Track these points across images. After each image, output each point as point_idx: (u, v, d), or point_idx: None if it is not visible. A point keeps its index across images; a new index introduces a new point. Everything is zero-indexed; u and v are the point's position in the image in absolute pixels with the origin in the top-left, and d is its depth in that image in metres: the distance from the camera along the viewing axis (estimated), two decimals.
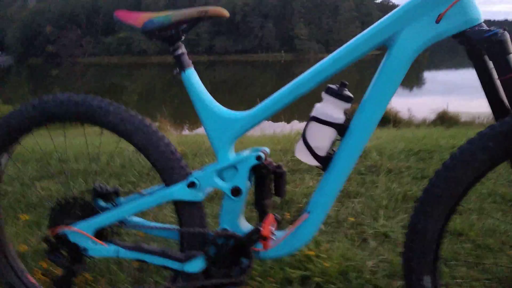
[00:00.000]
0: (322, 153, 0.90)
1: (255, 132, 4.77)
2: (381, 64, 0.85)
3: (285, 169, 0.95)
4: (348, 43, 0.87)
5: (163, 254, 0.98)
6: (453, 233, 1.69)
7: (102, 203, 1.08)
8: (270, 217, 0.91)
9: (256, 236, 0.91)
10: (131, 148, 3.19)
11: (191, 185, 0.95)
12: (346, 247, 1.56)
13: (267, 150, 0.96)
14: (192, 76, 0.96)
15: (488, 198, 2.05)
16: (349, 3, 63.90)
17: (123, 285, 1.36)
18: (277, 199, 2.05)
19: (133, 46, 53.62)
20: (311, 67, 0.90)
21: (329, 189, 0.91)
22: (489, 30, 0.76)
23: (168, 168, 0.97)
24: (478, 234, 1.65)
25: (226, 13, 0.92)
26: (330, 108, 0.88)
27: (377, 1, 76.23)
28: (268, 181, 0.95)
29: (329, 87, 0.89)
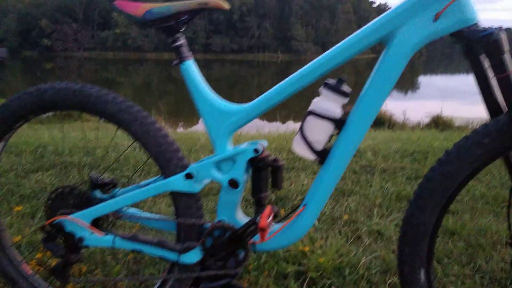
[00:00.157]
0: (319, 147, 0.90)
1: (251, 130, 4.78)
2: (379, 60, 0.86)
3: (282, 162, 0.96)
4: (347, 39, 0.88)
5: (159, 245, 0.98)
6: (446, 232, 1.71)
7: (98, 193, 1.08)
8: (268, 209, 0.92)
9: (253, 227, 0.91)
10: (126, 143, 3.18)
11: (189, 176, 0.95)
12: (341, 243, 1.57)
13: (265, 143, 0.96)
14: (191, 68, 0.96)
15: (481, 200, 2.07)
16: (347, 6, 64.12)
17: (118, 276, 1.36)
18: (272, 196, 2.07)
19: (129, 42, 53.35)
20: (310, 62, 0.91)
21: (326, 182, 0.92)
22: (485, 30, 0.78)
23: (166, 159, 0.97)
24: (471, 234, 1.67)
25: (226, 5, 0.92)
26: (328, 103, 0.89)
27: (374, 5, 76.55)
28: (265, 174, 0.96)
29: (327, 82, 0.90)
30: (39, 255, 1.44)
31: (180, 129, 9.02)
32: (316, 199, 0.93)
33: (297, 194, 2.13)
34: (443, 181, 0.82)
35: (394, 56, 0.83)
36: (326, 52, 0.89)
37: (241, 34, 60.06)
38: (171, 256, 0.98)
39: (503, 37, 0.77)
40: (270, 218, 0.91)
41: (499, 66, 0.78)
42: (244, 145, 0.95)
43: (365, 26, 0.87)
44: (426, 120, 8.39)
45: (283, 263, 1.41)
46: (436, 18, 0.80)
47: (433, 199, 0.84)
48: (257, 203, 0.98)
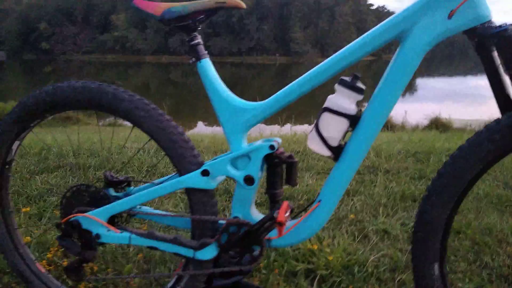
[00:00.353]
0: (334, 143, 0.92)
1: (253, 133, 4.79)
2: (394, 57, 0.88)
3: (296, 159, 0.98)
4: (363, 36, 0.89)
5: (175, 241, 0.99)
6: (452, 231, 1.72)
7: (112, 192, 1.10)
8: (285, 204, 0.93)
9: (270, 222, 0.93)
10: (130, 145, 3.20)
11: (205, 173, 0.97)
12: (348, 242, 1.59)
13: (279, 140, 0.98)
14: (207, 66, 0.98)
15: (484, 199, 2.09)
16: (345, 8, 64.33)
17: (129, 275, 1.37)
18: None
19: (128, 45, 53.42)
20: (326, 60, 0.93)
21: (340, 178, 0.93)
22: (500, 26, 0.80)
23: (181, 156, 0.99)
24: (476, 232, 1.69)
25: (243, 4, 0.94)
26: (343, 99, 0.91)
27: (373, 8, 76.84)
28: (280, 170, 0.97)
29: (342, 79, 0.92)
30: (49, 255, 1.45)
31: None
32: (330, 195, 0.94)
33: (302, 194, 2.15)
34: (456, 176, 0.84)
35: (409, 54, 0.85)
36: (342, 50, 0.91)
37: (240, 37, 60.21)
38: (187, 252, 1.00)
39: None
40: (287, 213, 0.92)
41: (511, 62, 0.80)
42: (259, 142, 0.96)
43: (379, 24, 0.88)
44: (425, 122, 8.42)
45: (293, 262, 1.43)
46: (451, 15, 0.82)
47: (446, 194, 0.85)
48: (272, 200, 1.00)
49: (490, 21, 0.82)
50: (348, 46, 0.91)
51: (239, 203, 0.99)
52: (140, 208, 1.12)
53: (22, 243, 1.20)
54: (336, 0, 63.55)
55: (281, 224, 0.88)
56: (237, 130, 0.97)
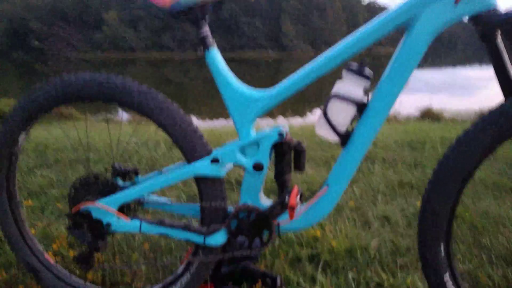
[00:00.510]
0: (342, 129, 0.94)
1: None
2: (400, 44, 0.90)
3: (305, 146, 1.00)
4: (369, 24, 0.91)
5: (186, 228, 1.01)
6: None
7: (120, 181, 1.11)
8: (295, 189, 0.96)
9: (281, 207, 0.95)
10: (127, 139, 3.20)
11: (214, 160, 0.98)
12: (349, 228, 1.62)
13: (287, 127, 1.00)
14: (215, 56, 0.99)
15: (481, 184, 2.14)
16: (337, 4, 64.31)
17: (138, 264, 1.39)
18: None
19: (120, 42, 52.91)
20: (332, 48, 0.95)
21: (348, 163, 0.96)
22: (506, 13, 0.82)
23: (191, 145, 1.00)
24: (473, 216, 1.73)
25: None
26: (351, 85, 0.93)
27: (364, 3, 76.97)
28: (289, 157, 0.99)
29: (349, 65, 0.94)
30: (55, 247, 1.46)
31: None
32: (338, 180, 0.97)
33: (302, 183, 2.18)
34: (462, 159, 0.87)
35: (416, 40, 0.87)
36: (349, 37, 0.92)
37: (232, 32, 59.95)
38: (197, 239, 1.02)
39: None
40: (298, 197, 0.95)
41: None
42: (267, 130, 0.98)
43: (387, 12, 0.90)
44: (416, 113, 8.49)
45: (297, 247, 1.46)
46: (457, 1, 0.84)
47: (452, 176, 0.88)
48: (280, 186, 1.02)
49: (495, 8, 0.84)
50: (355, 33, 0.92)
51: (248, 190, 1.01)
52: (148, 197, 1.13)
53: (30, 235, 1.21)
54: None
55: (292, 208, 0.90)
56: (246, 119, 0.99)
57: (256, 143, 0.98)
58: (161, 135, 3.11)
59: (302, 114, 10.27)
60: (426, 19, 0.86)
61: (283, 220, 0.99)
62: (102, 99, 1.03)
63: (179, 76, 26.54)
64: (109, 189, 1.07)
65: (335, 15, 62.35)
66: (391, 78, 0.90)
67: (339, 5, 64.90)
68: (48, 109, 1.08)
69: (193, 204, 1.11)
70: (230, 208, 1.05)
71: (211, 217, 1.04)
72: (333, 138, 0.95)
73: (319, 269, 1.35)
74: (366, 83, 0.93)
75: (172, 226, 1.03)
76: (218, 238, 1.01)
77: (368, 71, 0.93)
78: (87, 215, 1.04)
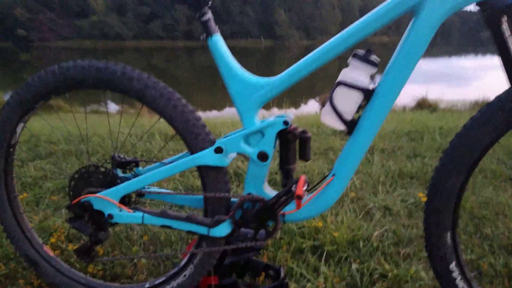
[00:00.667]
0: (348, 116, 0.92)
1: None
2: (408, 30, 0.88)
3: (310, 134, 0.97)
4: (375, 10, 0.88)
5: (189, 219, 0.99)
6: None
7: (120, 173, 1.08)
8: (302, 178, 0.94)
9: (287, 196, 0.93)
10: (119, 130, 3.15)
11: (218, 150, 0.96)
12: (351, 219, 1.61)
13: (292, 116, 0.97)
14: (218, 42, 0.96)
15: (479, 174, 2.14)
16: None
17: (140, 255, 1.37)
18: (276, 177, 2.09)
19: (107, 30, 52.06)
20: (338, 34, 0.92)
21: (354, 152, 0.94)
22: None
23: (194, 134, 0.98)
24: (474, 207, 1.74)
25: None
26: (357, 73, 0.90)
27: None
28: (294, 146, 0.97)
29: (356, 52, 0.91)
30: (53, 240, 1.43)
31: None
32: (344, 168, 0.95)
33: (300, 173, 2.16)
34: (469, 146, 0.86)
35: (423, 26, 0.85)
36: (354, 24, 0.90)
37: (223, 20, 59.35)
38: (201, 230, 0.99)
39: None
40: (305, 187, 0.93)
41: None
42: (272, 118, 0.96)
43: None
44: (412, 103, 8.52)
45: (299, 239, 1.44)
46: None
47: (459, 164, 0.87)
48: (285, 175, 1.00)
49: None
50: (360, 20, 0.89)
51: (252, 180, 0.99)
52: (149, 188, 1.11)
53: (29, 227, 1.18)
54: None
55: (299, 198, 0.88)
56: (250, 107, 0.96)
57: (261, 132, 0.95)
58: (156, 127, 3.08)
59: (296, 105, 10.26)
60: (433, 4, 0.83)
61: (288, 210, 0.98)
62: (102, 86, 0.99)
63: (168, 64, 26.28)
64: (110, 180, 1.05)
65: (328, 2, 61.96)
66: (399, 64, 0.88)
67: None
68: (46, 99, 1.05)
69: (195, 195, 1.09)
70: (234, 199, 1.03)
71: (215, 208, 1.02)
72: (339, 126, 0.93)
73: (322, 261, 1.34)
74: (372, 70, 0.91)
75: (175, 218, 1.00)
76: (223, 229, 0.99)
77: (375, 57, 0.90)
78: (88, 206, 1.02)
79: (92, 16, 51.06)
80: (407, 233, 1.52)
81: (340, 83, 0.91)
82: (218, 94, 12.70)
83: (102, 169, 1.05)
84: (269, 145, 0.95)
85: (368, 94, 0.91)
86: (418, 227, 1.58)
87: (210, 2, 0.95)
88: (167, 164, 1.03)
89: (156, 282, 1.11)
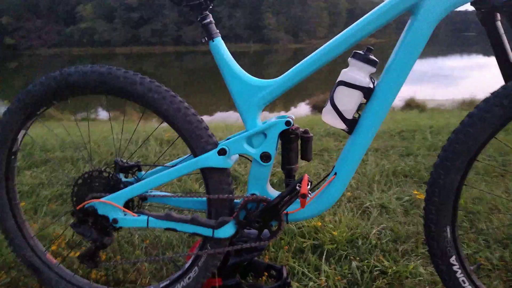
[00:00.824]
0: (349, 116, 0.94)
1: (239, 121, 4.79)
2: (406, 28, 0.90)
3: (311, 134, 1.00)
4: (374, 9, 0.91)
5: (194, 222, 1.00)
6: None
7: (122, 177, 1.09)
8: (306, 177, 0.96)
9: (291, 196, 0.95)
10: (116, 136, 3.14)
11: (221, 152, 0.97)
12: (349, 218, 1.64)
13: (293, 116, 1.00)
14: (220, 45, 0.98)
15: (472, 171, 2.18)
16: None
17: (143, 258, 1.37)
18: (272, 179, 2.11)
19: (96, 36, 51.71)
20: (337, 36, 0.94)
21: (355, 151, 0.96)
22: None
23: (197, 137, 0.99)
24: (467, 202, 1.77)
25: None
26: (357, 72, 0.93)
27: None
28: (296, 146, 0.99)
29: (356, 52, 0.94)
30: (54, 247, 1.43)
31: (155, 124, 8.90)
32: (346, 167, 0.97)
33: (299, 175, 2.18)
34: (467, 142, 0.88)
35: (421, 25, 0.87)
36: (353, 25, 0.92)
37: None
38: (205, 232, 1.01)
39: None
40: (309, 186, 0.94)
41: None
42: (274, 119, 0.98)
43: None
44: (400, 103, 8.63)
45: (300, 238, 1.46)
46: None
47: (457, 159, 0.90)
48: (288, 175, 1.02)
49: None
50: (359, 21, 0.92)
51: (255, 180, 1.01)
52: (152, 192, 1.12)
53: (31, 234, 1.18)
54: None
55: (304, 197, 0.90)
56: (252, 108, 0.98)
57: (263, 133, 0.97)
58: (150, 132, 3.08)
59: (286, 109, 10.31)
60: (432, 3, 0.86)
61: (292, 210, 0.99)
62: (104, 91, 1.00)
63: (158, 70, 26.18)
64: (113, 185, 1.05)
65: (315, 4, 62.34)
66: (398, 63, 0.90)
67: None
68: (48, 105, 1.05)
69: (199, 197, 1.10)
70: (237, 200, 1.05)
71: (218, 209, 1.03)
72: (340, 125, 0.95)
73: (323, 259, 1.36)
74: (372, 69, 0.93)
75: (180, 220, 1.01)
76: (227, 230, 1.00)
77: (373, 57, 0.93)
78: (92, 211, 1.02)
79: (81, 23, 50.65)
80: (404, 230, 1.55)
81: (340, 83, 0.94)
82: (209, 98, 12.70)
83: (106, 174, 1.06)
84: (272, 145, 0.97)
85: (368, 93, 0.93)
86: (415, 224, 1.61)
87: (211, 6, 0.97)
88: (170, 167, 1.04)
89: (161, 286, 1.11)
